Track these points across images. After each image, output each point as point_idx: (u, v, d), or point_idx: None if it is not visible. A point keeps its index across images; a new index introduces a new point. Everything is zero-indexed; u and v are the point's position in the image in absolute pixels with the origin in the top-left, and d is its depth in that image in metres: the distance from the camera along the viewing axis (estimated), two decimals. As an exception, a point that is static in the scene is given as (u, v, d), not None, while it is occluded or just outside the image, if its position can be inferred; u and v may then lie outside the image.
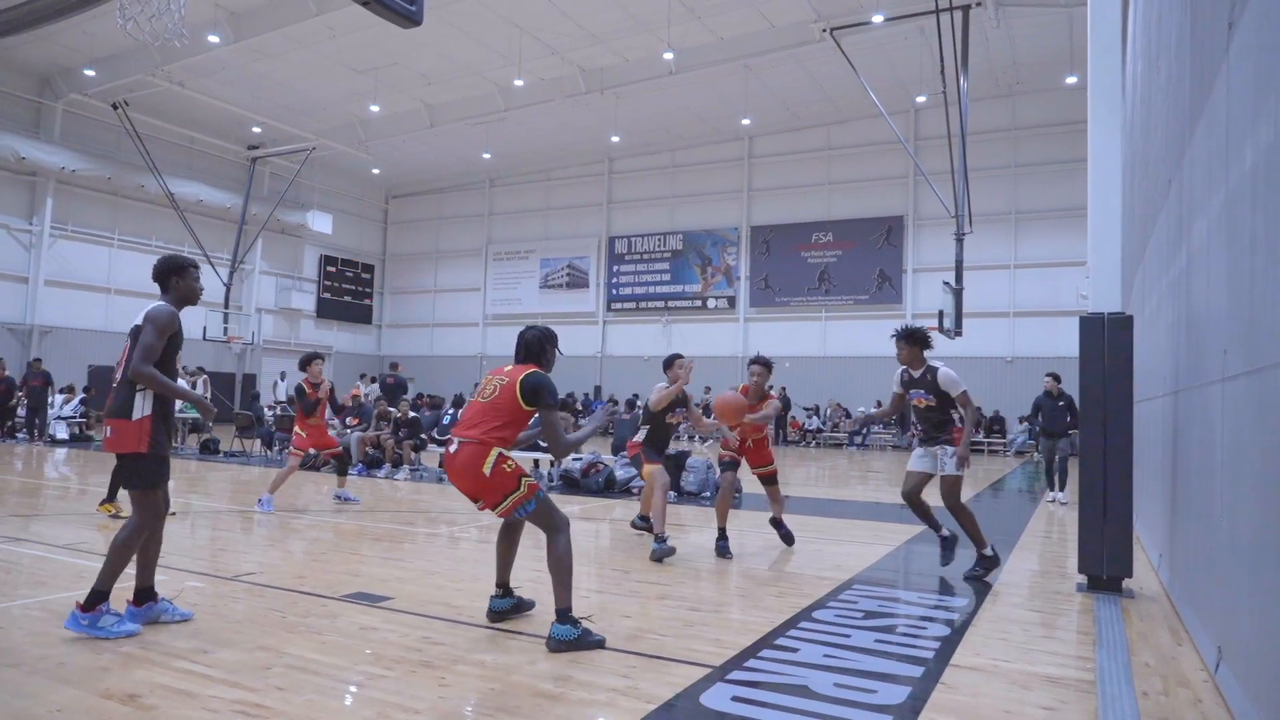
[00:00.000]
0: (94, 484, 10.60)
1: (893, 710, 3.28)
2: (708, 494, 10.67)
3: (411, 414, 13.56)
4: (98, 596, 3.92)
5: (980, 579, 5.86)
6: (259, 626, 4.25)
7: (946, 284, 18.67)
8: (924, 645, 4.20)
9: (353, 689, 3.38)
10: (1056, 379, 11.23)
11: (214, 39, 20.40)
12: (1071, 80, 21.55)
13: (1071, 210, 22.33)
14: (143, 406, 4.06)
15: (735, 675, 3.63)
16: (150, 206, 26.36)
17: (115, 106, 23.19)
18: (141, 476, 4.07)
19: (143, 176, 24.88)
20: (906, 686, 3.55)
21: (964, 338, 19.02)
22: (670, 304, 29.76)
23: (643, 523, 7.27)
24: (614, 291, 30.89)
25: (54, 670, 3.48)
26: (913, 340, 6.05)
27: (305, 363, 9.18)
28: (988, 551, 5.95)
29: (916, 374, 6.09)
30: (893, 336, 6.20)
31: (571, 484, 11.25)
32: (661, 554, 6.33)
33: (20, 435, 18.61)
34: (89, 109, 24.64)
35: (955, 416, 6.03)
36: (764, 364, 6.97)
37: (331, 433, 10.31)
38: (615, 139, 28.30)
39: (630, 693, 3.38)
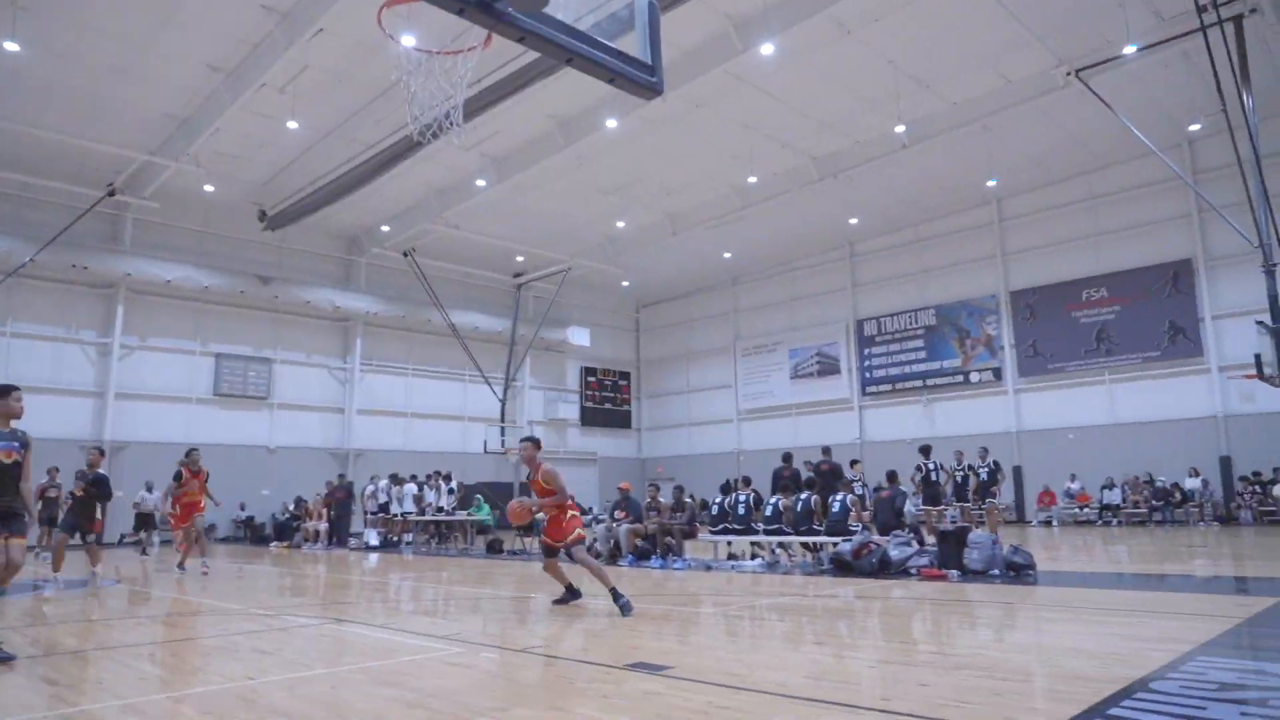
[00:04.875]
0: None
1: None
2: (995, 571, 9.79)
3: (680, 507, 13.77)
4: None
5: None
6: (551, 690, 4.39)
7: (1261, 324, 16.21)
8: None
9: (643, 744, 3.36)
10: None
11: (481, 183, 23.00)
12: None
13: None
14: None
15: (1060, 741, 3.19)
16: (436, 337, 29.60)
17: (405, 254, 26.69)
18: None
19: (429, 311, 28.14)
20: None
21: (1291, 384, 16.29)
22: (929, 382, 28.34)
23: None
24: (867, 375, 30.00)
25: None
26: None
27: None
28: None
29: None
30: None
31: (843, 566, 10.76)
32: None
33: (316, 545, 20.74)
34: (385, 259, 28.42)
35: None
36: (532, 441, 8.31)
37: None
38: (854, 221, 28.04)
39: (937, 754, 3.07)
